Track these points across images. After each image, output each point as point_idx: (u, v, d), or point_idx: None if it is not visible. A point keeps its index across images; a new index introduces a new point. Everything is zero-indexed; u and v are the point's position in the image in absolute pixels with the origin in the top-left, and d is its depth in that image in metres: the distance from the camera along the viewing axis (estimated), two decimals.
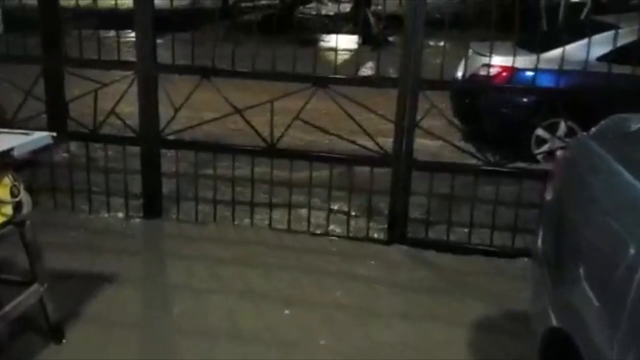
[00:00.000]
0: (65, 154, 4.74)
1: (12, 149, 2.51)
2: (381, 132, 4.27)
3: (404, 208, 4.11)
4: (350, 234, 4.22)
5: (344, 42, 10.36)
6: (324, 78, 4.05)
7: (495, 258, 3.99)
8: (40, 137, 2.70)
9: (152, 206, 4.41)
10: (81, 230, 4.20)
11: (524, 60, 3.98)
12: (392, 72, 5.07)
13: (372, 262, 3.90)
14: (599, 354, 1.57)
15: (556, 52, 4.15)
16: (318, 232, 4.27)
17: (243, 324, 3.20)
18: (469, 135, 6.39)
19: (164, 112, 4.27)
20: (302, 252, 3.99)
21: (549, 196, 2.28)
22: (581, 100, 4.39)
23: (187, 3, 17.90)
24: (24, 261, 2.85)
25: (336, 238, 4.23)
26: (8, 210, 2.60)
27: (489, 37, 4.08)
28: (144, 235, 4.28)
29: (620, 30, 4.12)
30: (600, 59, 4.65)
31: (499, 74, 5.50)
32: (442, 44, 4.15)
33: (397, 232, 4.13)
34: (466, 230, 4.12)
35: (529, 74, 4.82)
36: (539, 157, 5.72)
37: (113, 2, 4.44)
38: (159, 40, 4.17)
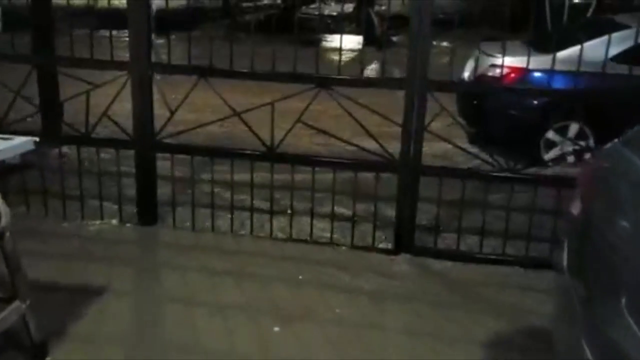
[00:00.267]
0: (64, 159, 4.47)
1: None
2: (386, 135, 4.08)
3: (411, 215, 3.92)
4: (355, 243, 4.03)
5: (347, 43, 10.21)
6: (327, 79, 3.87)
7: (508, 268, 3.81)
8: (22, 142, 2.54)
9: (147, 212, 4.24)
10: (72, 238, 4.02)
11: (532, 61, 3.89)
12: (397, 73, 4.89)
13: (378, 273, 3.71)
14: None
15: (565, 53, 3.99)
16: (321, 241, 4.08)
17: (238, 341, 3.01)
18: (474, 137, 6.21)
19: (163, 114, 4.07)
20: (304, 263, 3.81)
21: (575, 208, 2.07)
22: (594, 102, 4.25)
23: (187, 3, 17.76)
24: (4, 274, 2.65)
25: (340, 247, 4.04)
26: None
27: (495, 37, 3.94)
28: (138, 243, 4.11)
29: (628, 31, 3.99)
30: (613, 59, 4.47)
31: (508, 74, 5.32)
32: (444, 44, 4.01)
33: (404, 241, 3.95)
34: (477, 238, 3.93)
35: (539, 75, 4.65)
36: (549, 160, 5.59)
37: (113, 2, 4.28)
38: (159, 41, 3.99)
